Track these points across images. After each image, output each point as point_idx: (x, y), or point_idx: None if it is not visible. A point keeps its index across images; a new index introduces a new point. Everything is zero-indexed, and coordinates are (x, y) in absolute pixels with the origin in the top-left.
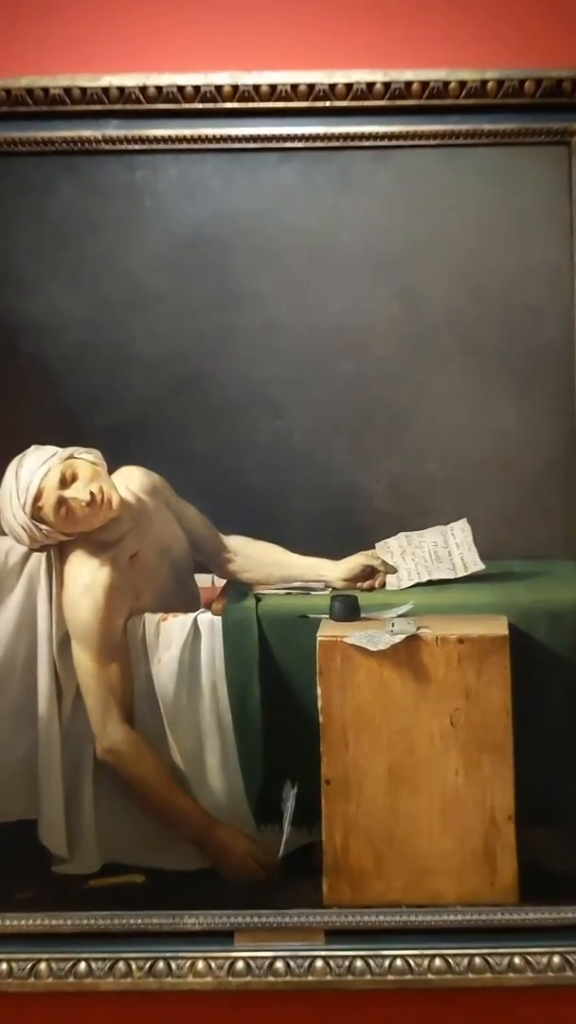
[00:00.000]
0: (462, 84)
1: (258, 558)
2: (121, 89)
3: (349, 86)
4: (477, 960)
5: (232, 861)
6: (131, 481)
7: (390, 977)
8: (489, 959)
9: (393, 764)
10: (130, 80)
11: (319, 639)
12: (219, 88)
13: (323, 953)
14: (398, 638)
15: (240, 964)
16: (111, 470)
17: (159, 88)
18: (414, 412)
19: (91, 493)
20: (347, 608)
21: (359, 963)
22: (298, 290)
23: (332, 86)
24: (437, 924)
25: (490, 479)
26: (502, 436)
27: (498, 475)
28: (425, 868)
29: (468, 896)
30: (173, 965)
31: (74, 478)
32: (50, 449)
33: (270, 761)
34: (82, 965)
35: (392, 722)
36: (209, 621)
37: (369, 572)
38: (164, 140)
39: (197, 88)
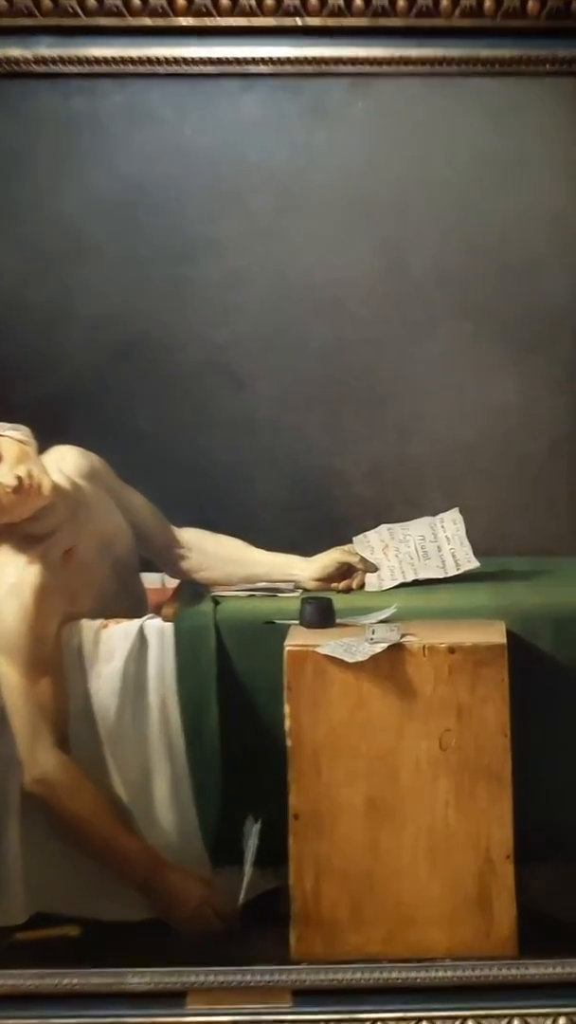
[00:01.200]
0: (455, 2)
1: (216, 554)
2: (55, 0)
3: (324, 2)
4: (470, 1022)
5: (184, 910)
6: (65, 463)
7: None
8: (484, 1021)
9: (373, 795)
10: None
11: (287, 649)
12: (171, 1)
13: (291, 1016)
14: (379, 647)
15: None
16: (42, 450)
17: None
18: (398, 384)
19: (17, 477)
20: (320, 613)
21: None
22: (263, 239)
23: (304, 1)
24: (424, 981)
25: (486, 463)
26: (500, 412)
27: (496, 458)
28: (410, 916)
29: (460, 948)
30: None
31: None
32: None
33: (229, 792)
34: None
35: (372, 746)
36: (158, 628)
37: (346, 571)
38: (106, 62)
39: (145, 1)
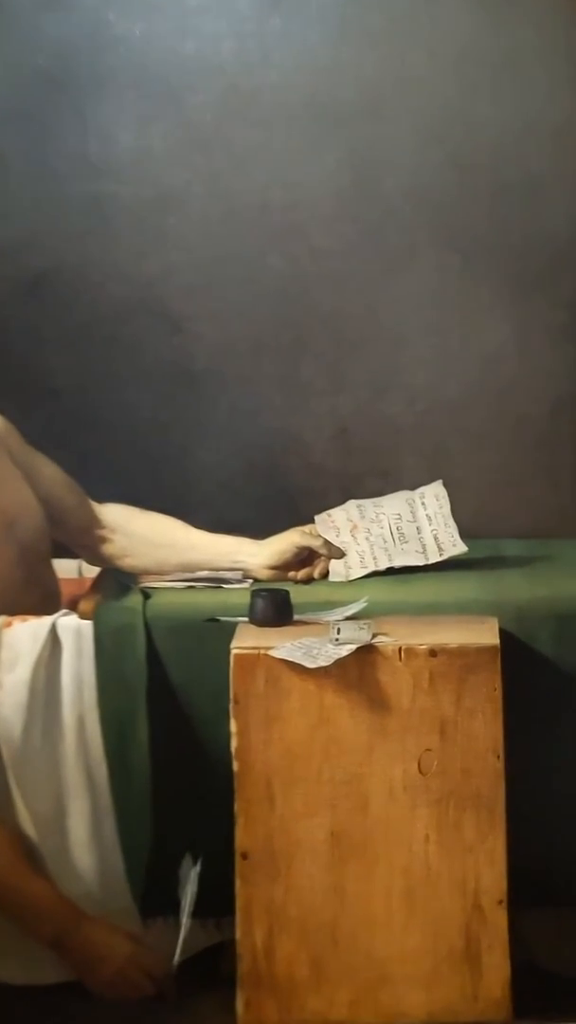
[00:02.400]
0: None
1: (146, 537)
2: None
3: None
4: None
5: (106, 971)
6: None
7: None
8: None
9: (338, 828)
10: None
11: (234, 652)
12: None
13: None
14: (345, 650)
15: None
16: None
17: None
18: (369, 328)
19: None
20: (274, 608)
21: None
22: (205, 150)
23: None
24: None
25: (476, 425)
26: (493, 364)
27: (487, 420)
28: (383, 974)
29: (442, 1012)
30: None
31: None
32: None
33: (162, 828)
34: None
35: (336, 769)
36: (74, 628)
37: (305, 557)
38: None
39: None
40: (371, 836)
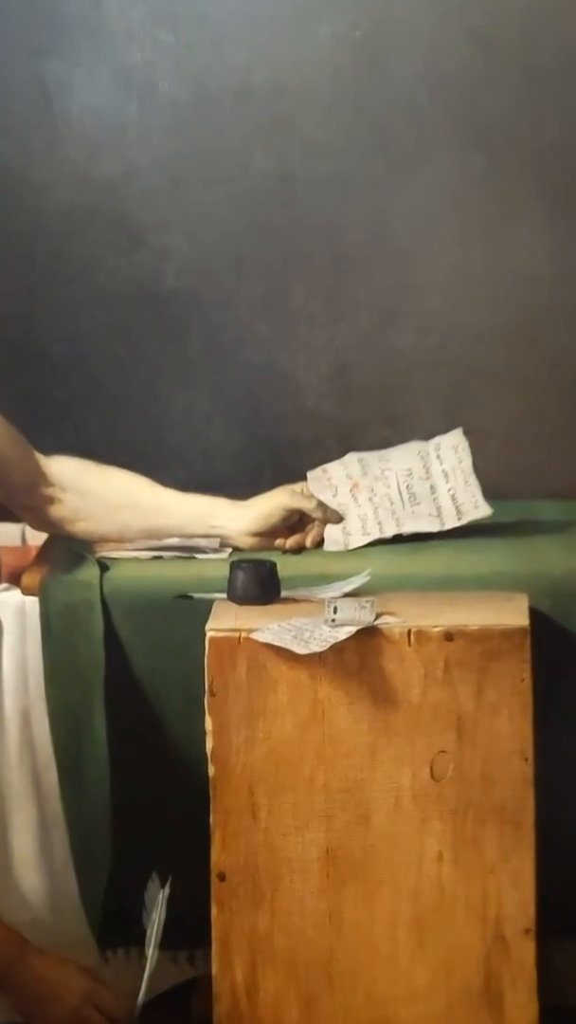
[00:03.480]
0: None
1: (104, 497)
2: None
3: None
4: None
5: (58, 1011)
6: None
7: None
8: None
9: (334, 845)
10: None
11: (209, 635)
12: None
13: None
14: (343, 633)
15: None
16: None
17: None
18: (375, 243)
19: None
20: (258, 582)
21: None
22: (172, 22)
23: None
24: None
25: (503, 362)
26: (524, 287)
27: (516, 356)
28: (386, 1017)
29: None
30: None
31: None
32: None
33: (123, 843)
34: None
35: (333, 775)
36: (16, 606)
37: (295, 521)
38: None
39: None
40: (373, 854)
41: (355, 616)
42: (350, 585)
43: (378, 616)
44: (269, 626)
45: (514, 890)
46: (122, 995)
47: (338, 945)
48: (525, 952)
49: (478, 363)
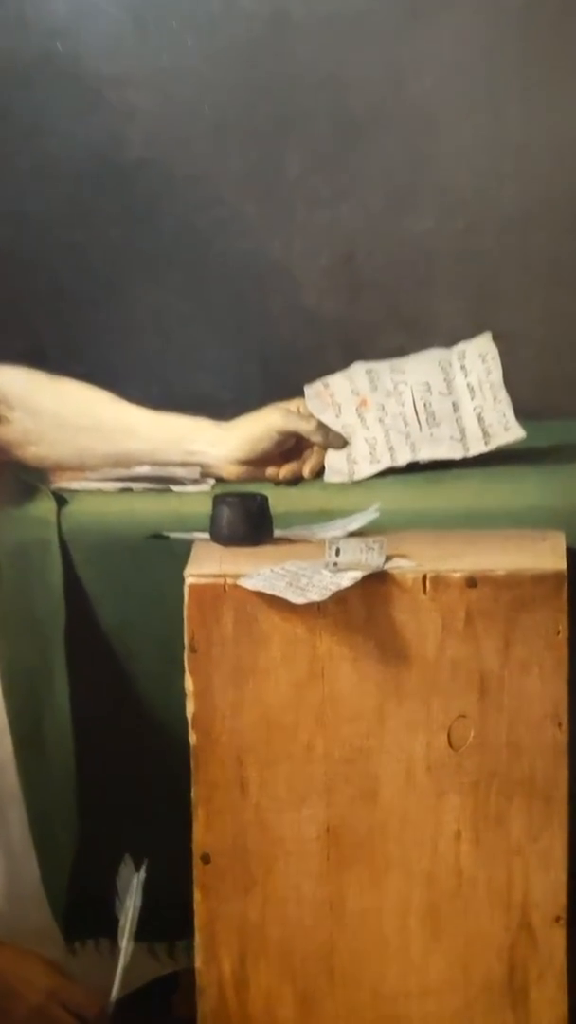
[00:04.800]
0: None
1: (60, 416)
2: None
3: None
4: None
5: (19, 1009)
6: None
7: None
8: None
9: (335, 823)
10: None
11: (189, 582)
12: None
13: None
14: (348, 579)
15: None
16: None
17: None
18: (387, 104)
19: None
20: (246, 519)
21: None
22: None
23: None
24: None
25: (540, 253)
26: (569, 159)
27: (557, 244)
28: (395, 1015)
29: None
30: None
31: None
32: None
33: (92, 821)
34: None
35: (335, 742)
36: None
37: (291, 446)
38: None
39: None
40: (381, 833)
41: (361, 559)
42: (355, 523)
43: (388, 559)
44: (259, 571)
45: (543, 873)
46: (92, 991)
47: (340, 936)
48: (554, 942)
49: (511, 253)
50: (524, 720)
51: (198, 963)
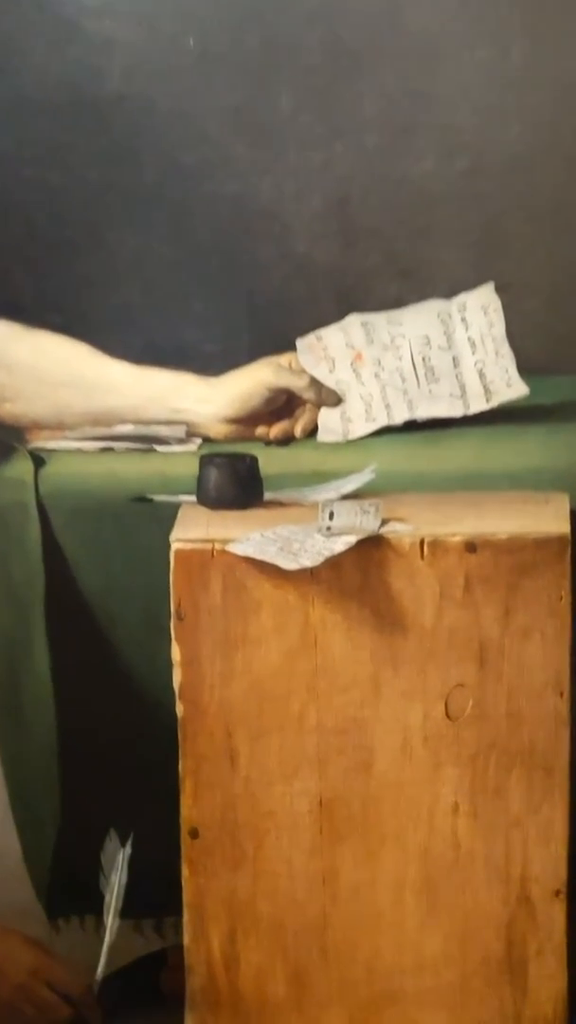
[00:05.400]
0: None
1: (37, 370)
2: None
3: None
4: None
5: (2, 989)
6: None
7: None
8: None
9: (329, 796)
10: None
11: (175, 547)
12: None
13: None
14: (342, 544)
15: None
16: None
17: None
18: (385, 32)
19: None
20: (235, 481)
21: None
22: None
23: None
24: None
25: (548, 197)
26: None
27: (566, 188)
28: (390, 991)
29: None
30: None
31: None
32: None
33: (75, 796)
34: None
35: (328, 713)
36: None
37: (282, 404)
38: None
39: None
40: (376, 806)
41: (356, 523)
42: (350, 485)
43: (384, 523)
44: (249, 536)
45: (543, 846)
46: (77, 969)
47: (333, 911)
48: (554, 916)
49: (516, 197)
50: (524, 689)
51: (186, 940)
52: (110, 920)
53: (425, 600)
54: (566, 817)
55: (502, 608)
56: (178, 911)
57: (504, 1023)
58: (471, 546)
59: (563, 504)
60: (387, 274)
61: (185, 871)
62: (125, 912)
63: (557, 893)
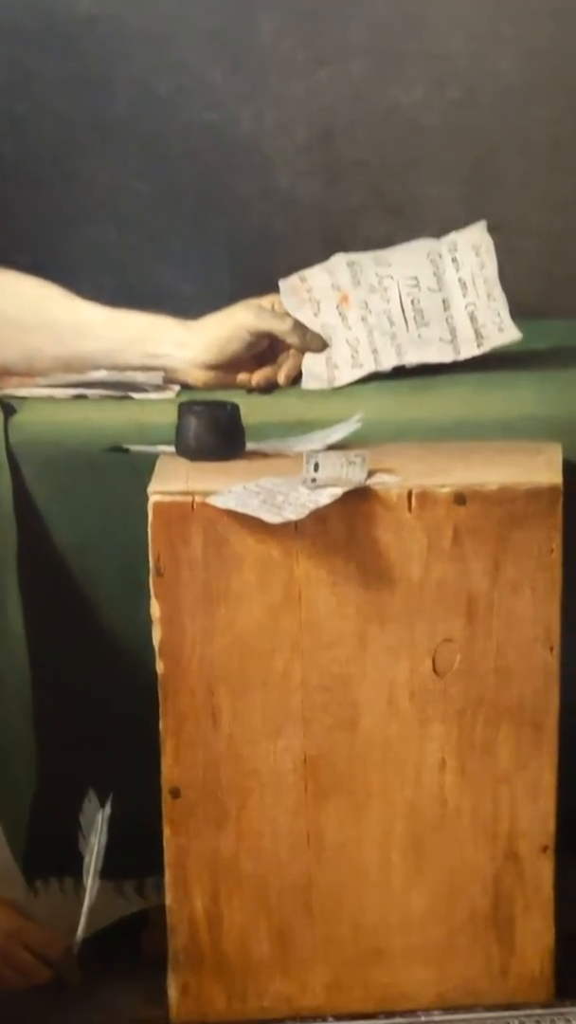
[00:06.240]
0: None
1: (5, 313)
2: None
3: None
4: None
5: None
6: None
7: None
8: None
9: (313, 753)
10: None
11: (154, 500)
12: None
13: None
14: (327, 496)
15: None
16: None
17: None
18: None
19: None
20: (215, 431)
21: None
22: None
23: None
24: None
25: (544, 129)
26: None
27: (563, 120)
28: (375, 948)
29: (459, 993)
30: None
31: None
32: None
33: (52, 757)
34: None
35: (313, 670)
36: None
37: (264, 348)
38: None
39: None
40: (362, 763)
41: (341, 474)
42: (336, 434)
43: (371, 474)
44: (231, 488)
45: (531, 802)
46: (56, 932)
47: (318, 869)
48: (541, 872)
49: (510, 130)
50: (514, 644)
51: (169, 900)
52: (90, 882)
53: (412, 554)
54: (554, 773)
55: (491, 561)
56: (160, 872)
57: (491, 979)
58: (460, 498)
59: (555, 454)
60: (374, 211)
61: (166, 831)
62: (105, 873)
63: (544, 849)
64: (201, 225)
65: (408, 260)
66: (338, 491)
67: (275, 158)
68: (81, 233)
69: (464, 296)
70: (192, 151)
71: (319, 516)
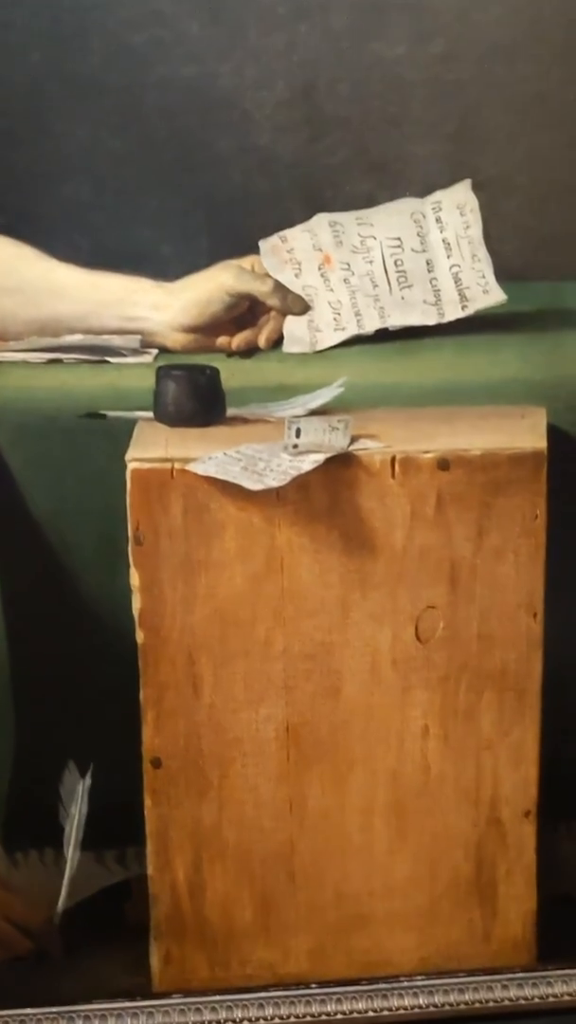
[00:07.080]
0: None
1: None
2: None
3: None
4: None
5: None
6: None
7: None
8: None
9: (296, 721)
10: None
11: (131, 467)
12: None
13: None
14: (309, 462)
15: None
16: None
17: None
18: None
19: None
20: (195, 396)
21: None
22: None
23: None
24: (383, 1016)
25: (531, 85)
26: None
27: (551, 75)
28: (358, 914)
29: (442, 958)
30: None
31: None
32: None
33: (31, 727)
34: None
35: (295, 638)
36: None
37: (244, 311)
38: None
39: None
40: (344, 731)
41: (324, 440)
42: (318, 400)
43: (353, 440)
44: (211, 455)
45: (513, 768)
46: (37, 903)
47: (300, 837)
48: (524, 837)
49: (497, 87)
50: (497, 610)
51: (150, 870)
52: (70, 852)
53: (396, 520)
54: (537, 739)
55: (475, 528)
56: (141, 842)
57: (473, 944)
58: (444, 463)
59: (540, 418)
60: (357, 169)
61: (148, 801)
62: (86, 844)
63: (527, 814)
64: (179, 183)
65: (391, 220)
66: (320, 457)
67: (254, 114)
68: (55, 192)
69: (448, 257)
70: (168, 106)
71: (301, 483)
